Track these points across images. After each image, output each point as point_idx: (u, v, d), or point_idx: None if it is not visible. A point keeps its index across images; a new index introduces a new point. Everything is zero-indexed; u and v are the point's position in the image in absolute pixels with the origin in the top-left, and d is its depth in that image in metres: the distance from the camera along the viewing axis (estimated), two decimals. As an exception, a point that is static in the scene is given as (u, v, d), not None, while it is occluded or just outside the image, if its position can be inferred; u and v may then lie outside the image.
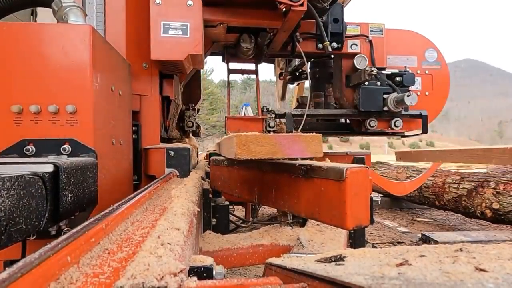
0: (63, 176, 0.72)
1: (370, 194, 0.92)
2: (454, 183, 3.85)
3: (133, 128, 1.52)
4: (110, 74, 1.17)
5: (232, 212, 2.89)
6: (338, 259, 0.56)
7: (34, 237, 0.66)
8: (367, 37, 2.31)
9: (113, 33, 1.52)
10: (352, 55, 2.28)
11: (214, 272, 0.55)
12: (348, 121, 2.80)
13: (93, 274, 0.42)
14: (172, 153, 1.52)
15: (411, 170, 4.99)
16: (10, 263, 0.69)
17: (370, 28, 2.33)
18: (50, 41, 0.97)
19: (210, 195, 1.58)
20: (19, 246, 0.77)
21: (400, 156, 4.69)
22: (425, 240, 3.20)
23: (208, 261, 0.58)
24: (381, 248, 0.66)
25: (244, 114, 10.13)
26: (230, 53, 2.41)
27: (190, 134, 2.48)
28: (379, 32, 2.34)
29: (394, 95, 2.21)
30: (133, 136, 1.51)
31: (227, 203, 1.71)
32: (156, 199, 0.94)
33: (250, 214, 3.21)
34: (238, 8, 1.75)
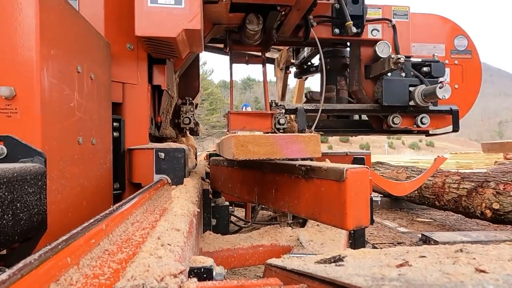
0: None
1: (370, 194, 0.92)
2: (454, 183, 3.85)
3: (114, 124, 1.23)
4: (74, 49, 0.90)
5: (232, 212, 2.89)
6: (338, 260, 0.56)
7: None
8: (390, 21, 2.02)
9: (89, 4, 1.23)
10: (373, 42, 2.00)
11: (214, 273, 0.55)
12: (363, 117, 2.52)
13: (93, 275, 0.42)
14: (162, 155, 1.22)
15: (411, 170, 4.99)
16: None
17: (394, 11, 2.03)
18: None
19: (210, 196, 1.58)
20: None
21: (488, 147, 4.72)
22: (425, 240, 3.20)
23: (208, 262, 0.58)
24: (381, 248, 0.66)
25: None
26: (233, 38, 2.06)
27: (187, 133, 2.20)
28: (403, 16, 2.03)
29: (422, 87, 1.94)
30: (114, 134, 1.23)
31: (227, 203, 1.71)
32: (156, 199, 0.94)
33: (250, 214, 3.21)
34: None
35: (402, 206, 5.22)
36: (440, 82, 1.91)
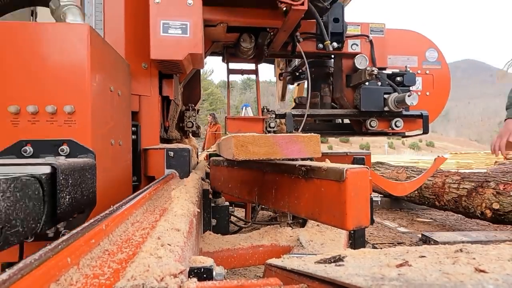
0: (61, 178, 0.68)
1: (370, 194, 0.92)
2: (454, 183, 3.85)
3: (133, 128, 1.49)
4: (109, 74, 1.15)
5: (232, 212, 2.89)
6: (338, 259, 0.56)
7: (32, 239, 0.64)
8: (368, 37, 2.30)
9: (112, 32, 1.50)
10: (353, 55, 2.28)
11: (214, 273, 0.55)
12: (346, 121, 2.76)
13: (93, 275, 0.42)
14: (172, 153, 1.49)
15: (411, 170, 4.99)
16: (7, 265, 0.65)
17: (371, 28, 2.32)
18: (48, 40, 0.95)
19: (210, 196, 1.58)
20: (17, 249, 0.76)
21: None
22: (425, 240, 3.20)
23: (208, 262, 0.58)
24: (381, 248, 0.66)
25: (244, 115, 10.19)
26: (230, 52, 2.39)
27: (190, 135, 2.47)
28: (379, 32, 2.32)
29: (394, 95, 2.20)
30: (133, 136, 1.48)
31: (227, 203, 1.71)
32: (156, 200, 0.94)
33: (250, 214, 3.21)
34: (238, 7, 1.73)
35: (402, 206, 5.21)
36: (409, 91, 2.18)
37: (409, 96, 2.08)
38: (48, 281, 0.36)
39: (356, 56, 2.24)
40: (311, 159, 1.12)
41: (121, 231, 0.60)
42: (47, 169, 0.68)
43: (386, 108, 2.25)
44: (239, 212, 3.76)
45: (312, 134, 1.06)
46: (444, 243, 2.80)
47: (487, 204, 3.34)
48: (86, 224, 0.52)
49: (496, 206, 3.28)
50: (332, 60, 2.61)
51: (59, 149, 0.90)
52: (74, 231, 0.47)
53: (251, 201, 2.42)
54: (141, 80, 1.57)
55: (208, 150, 2.63)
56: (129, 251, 0.51)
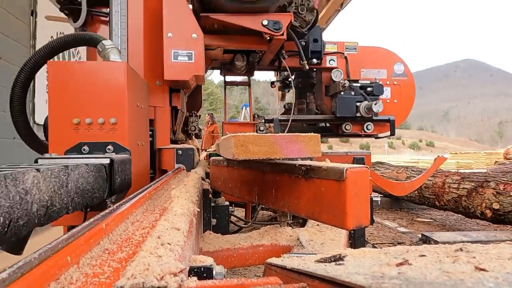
0: (115, 166, 1.02)
1: (370, 194, 0.92)
2: (454, 183, 3.85)
3: (150, 132, 1.82)
4: (136, 94, 1.47)
5: (232, 212, 2.90)
6: (338, 259, 0.56)
7: (88, 210, 0.97)
8: (343, 53, 2.69)
9: (134, 58, 1.86)
10: (330, 69, 2.66)
11: (214, 272, 0.55)
12: (326, 124, 3.12)
13: (93, 274, 0.42)
14: (180, 152, 1.83)
15: (411, 170, 4.99)
16: (71, 228, 0.71)
17: (346, 46, 2.70)
18: (98, 73, 1.29)
19: (210, 195, 1.58)
20: (82, 215, 1.04)
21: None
22: (425, 240, 3.20)
23: (208, 261, 0.58)
24: (381, 248, 0.66)
25: (244, 114, 10.24)
26: (226, 68, 2.80)
27: (193, 137, 2.80)
28: (353, 49, 2.71)
29: (365, 103, 2.57)
30: (150, 139, 1.81)
31: (227, 203, 1.71)
32: (156, 199, 0.94)
33: (250, 214, 3.21)
34: (232, 35, 2.08)
35: (402, 206, 5.22)
36: (378, 99, 2.59)
37: (375, 104, 2.50)
38: (48, 280, 0.36)
39: (333, 70, 2.64)
40: (311, 159, 1.12)
41: (121, 230, 0.60)
42: (108, 161, 1.00)
43: (358, 114, 2.61)
44: (239, 212, 3.76)
45: (312, 134, 1.06)
46: (444, 243, 2.80)
47: (487, 204, 3.34)
48: (86, 223, 0.52)
49: (496, 206, 3.28)
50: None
51: (106, 148, 1.25)
52: (74, 230, 0.47)
53: (251, 201, 2.43)
54: (156, 95, 1.91)
55: (208, 150, 2.68)
56: (129, 250, 0.51)
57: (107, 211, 0.62)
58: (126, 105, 1.29)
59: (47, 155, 1.04)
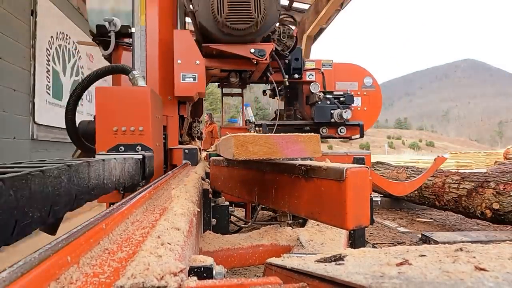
0: (146, 160, 1.41)
1: (370, 194, 0.92)
2: (454, 183, 3.85)
3: (163, 136, 2.22)
4: (155, 108, 1.86)
5: (232, 212, 2.90)
6: (338, 258, 0.56)
7: (123, 192, 1.42)
8: (320, 69, 3.22)
9: (152, 78, 2.34)
10: (309, 83, 3.20)
11: (214, 272, 0.55)
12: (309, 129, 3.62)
13: (93, 273, 0.42)
14: (186, 151, 2.25)
15: (411, 170, 4.99)
16: (111, 204, 0.96)
17: (322, 63, 3.25)
18: (131, 95, 1.72)
19: (210, 195, 1.58)
20: (119, 194, 1.50)
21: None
22: (425, 240, 3.20)
23: (208, 261, 0.58)
24: (381, 248, 0.66)
25: (248, 112, 10.34)
26: (223, 82, 3.38)
27: (196, 139, 3.30)
28: (328, 66, 3.26)
29: (338, 111, 3.09)
30: (164, 141, 2.23)
31: (227, 203, 1.71)
32: (156, 199, 0.94)
33: (250, 214, 3.21)
34: (227, 59, 2.57)
35: (402, 206, 5.21)
36: (349, 108, 3.12)
37: (345, 112, 3.04)
38: (48, 280, 0.36)
39: (311, 84, 3.18)
40: (311, 159, 1.11)
41: (121, 230, 0.60)
42: (141, 156, 1.39)
43: (332, 120, 3.10)
44: (239, 212, 3.76)
45: (312, 134, 1.06)
46: (444, 243, 2.80)
47: (487, 204, 3.34)
48: (86, 222, 0.52)
49: (496, 206, 3.28)
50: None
51: (136, 148, 1.66)
52: (74, 230, 0.47)
53: (251, 201, 2.44)
54: (168, 107, 2.39)
55: (208, 150, 2.79)
56: (129, 250, 0.51)
57: (107, 211, 0.62)
58: (150, 118, 1.73)
59: (101, 152, 1.58)
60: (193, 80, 2.32)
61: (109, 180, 0.93)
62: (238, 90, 3.78)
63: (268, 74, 2.90)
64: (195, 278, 0.44)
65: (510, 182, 3.31)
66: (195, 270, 0.54)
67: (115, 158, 1.03)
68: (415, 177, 4.27)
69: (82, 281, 0.40)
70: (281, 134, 1.06)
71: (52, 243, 0.41)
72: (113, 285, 0.37)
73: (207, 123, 10.35)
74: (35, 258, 0.36)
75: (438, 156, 3.67)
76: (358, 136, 3.30)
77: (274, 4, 2.33)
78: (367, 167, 0.89)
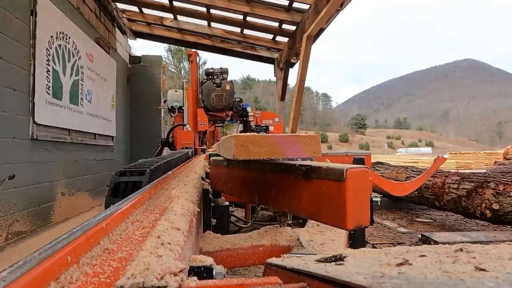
0: (189, 152, 2.76)
1: (370, 194, 0.91)
2: (454, 183, 3.85)
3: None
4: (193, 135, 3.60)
5: (232, 212, 2.90)
6: (338, 259, 0.56)
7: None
8: (254, 115, 5.72)
9: (189, 123, 4.56)
10: (250, 121, 5.67)
11: (214, 272, 0.55)
12: None
13: (93, 273, 0.42)
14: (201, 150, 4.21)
15: (411, 170, 4.99)
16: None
17: (255, 113, 5.81)
18: (186, 134, 4.25)
19: (210, 196, 1.58)
20: None
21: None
22: (425, 240, 3.20)
23: (208, 261, 0.58)
24: (381, 248, 0.66)
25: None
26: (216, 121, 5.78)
27: (204, 145, 5.41)
28: (258, 113, 5.82)
29: (262, 133, 4.65)
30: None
31: (227, 203, 1.71)
32: (156, 199, 0.94)
33: (250, 214, 3.21)
34: (215, 113, 5.16)
35: (402, 206, 5.21)
36: (267, 132, 5.27)
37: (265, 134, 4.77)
38: (48, 279, 0.36)
39: (251, 121, 5.65)
40: (311, 159, 1.11)
41: (121, 230, 0.60)
42: (190, 150, 3.18)
43: None
44: (239, 212, 3.77)
45: (313, 134, 1.06)
46: (444, 243, 2.80)
47: (487, 205, 3.34)
48: (86, 222, 0.52)
49: (496, 206, 3.28)
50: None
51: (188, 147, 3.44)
52: (74, 230, 0.47)
53: (251, 201, 2.44)
54: (195, 133, 4.34)
55: (208, 151, 2.95)
56: (129, 249, 0.51)
57: (107, 211, 0.62)
58: (192, 140, 3.71)
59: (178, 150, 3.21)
60: (203, 125, 4.91)
61: (186, 156, 2.22)
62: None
63: (233, 119, 5.75)
64: (195, 278, 0.44)
65: (509, 183, 3.31)
66: (195, 270, 0.54)
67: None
68: (415, 177, 4.27)
69: (82, 281, 0.40)
70: (282, 134, 1.06)
71: (52, 243, 0.41)
72: (113, 285, 0.37)
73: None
74: (35, 258, 0.36)
75: (438, 156, 3.68)
76: None
77: (232, 97, 5.16)
78: (367, 168, 0.89)
